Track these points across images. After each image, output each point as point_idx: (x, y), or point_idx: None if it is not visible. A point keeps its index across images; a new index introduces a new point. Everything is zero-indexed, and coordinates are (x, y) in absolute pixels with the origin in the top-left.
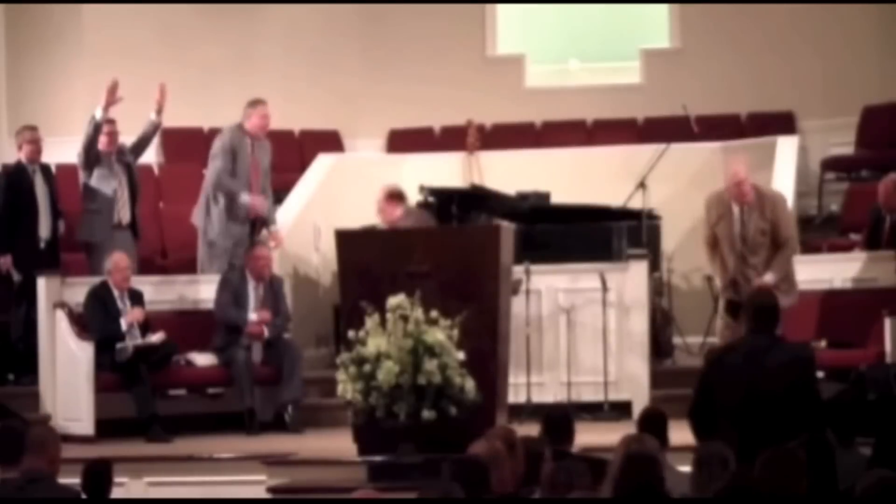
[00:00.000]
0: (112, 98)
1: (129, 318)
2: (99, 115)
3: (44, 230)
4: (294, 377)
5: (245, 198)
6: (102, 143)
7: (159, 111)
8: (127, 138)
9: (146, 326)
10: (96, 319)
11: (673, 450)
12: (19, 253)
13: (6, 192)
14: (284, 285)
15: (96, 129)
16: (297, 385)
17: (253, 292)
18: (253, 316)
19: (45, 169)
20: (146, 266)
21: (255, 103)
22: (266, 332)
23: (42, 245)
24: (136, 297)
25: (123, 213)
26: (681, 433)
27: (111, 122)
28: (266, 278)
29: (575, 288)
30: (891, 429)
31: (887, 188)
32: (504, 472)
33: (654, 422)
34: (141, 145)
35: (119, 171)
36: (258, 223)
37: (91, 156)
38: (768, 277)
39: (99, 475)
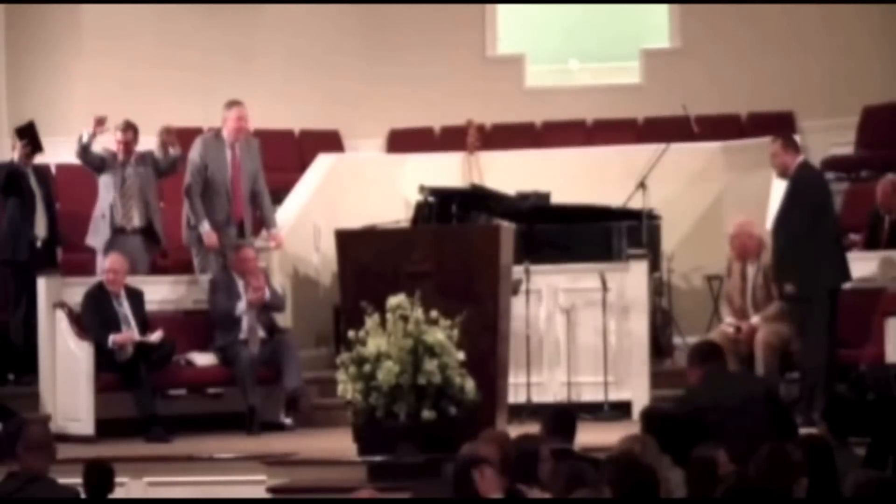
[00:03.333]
0: (99, 130)
1: (118, 338)
2: (86, 138)
3: (40, 230)
4: (293, 367)
5: (205, 228)
6: (119, 150)
7: (166, 147)
8: None
9: (146, 326)
10: (90, 322)
11: None
12: (16, 253)
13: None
14: (268, 274)
15: (84, 150)
16: (296, 375)
17: (244, 292)
18: (242, 305)
19: (40, 170)
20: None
21: (231, 105)
22: (267, 295)
23: (39, 245)
24: (136, 298)
25: (128, 218)
26: None
27: (129, 129)
28: (249, 276)
29: (575, 288)
30: (887, 429)
31: (885, 189)
32: (489, 478)
33: (659, 423)
34: (162, 173)
35: (131, 176)
36: (244, 224)
37: (90, 166)
38: (754, 320)
39: (100, 475)
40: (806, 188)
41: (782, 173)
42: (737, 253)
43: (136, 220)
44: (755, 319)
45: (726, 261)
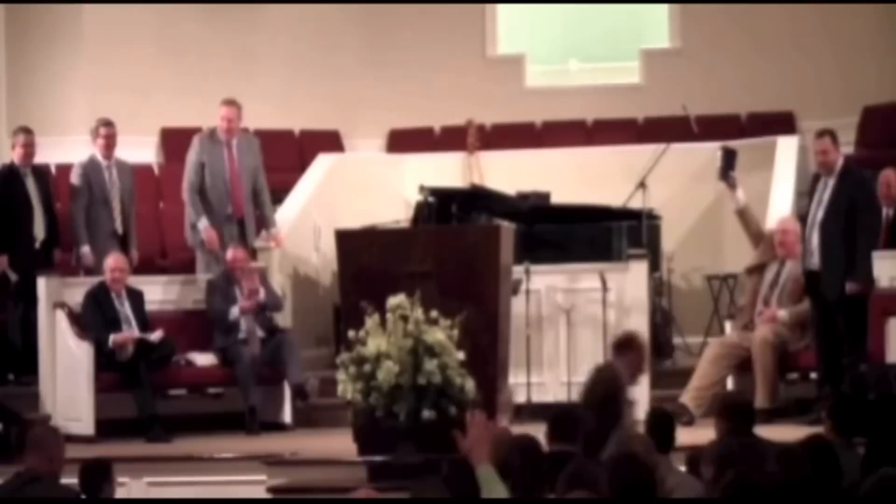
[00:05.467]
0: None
1: (118, 338)
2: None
3: (38, 230)
4: (295, 363)
5: (203, 224)
6: (99, 146)
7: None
8: (123, 138)
9: (146, 326)
10: (91, 321)
11: (675, 450)
12: (15, 253)
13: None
14: (266, 274)
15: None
16: (299, 369)
17: (239, 296)
18: (236, 310)
19: (38, 170)
20: (146, 266)
21: (221, 104)
22: (261, 295)
23: (37, 245)
24: (137, 298)
25: (118, 224)
26: (682, 434)
27: (108, 125)
28: (245, 274)
29: (575, 288)
30: (887, 429)
31: (888, 178)
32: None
33: (661, 423)
34: None
35: (115, 183)
36: (244, 222)
37: None
38: (781, 313)
39: (96, 474)
40: (857, 187)
41: (828, 171)
42: (785, 251)
43: (118, 226)
44: (782, 313)
45: (758, 259)
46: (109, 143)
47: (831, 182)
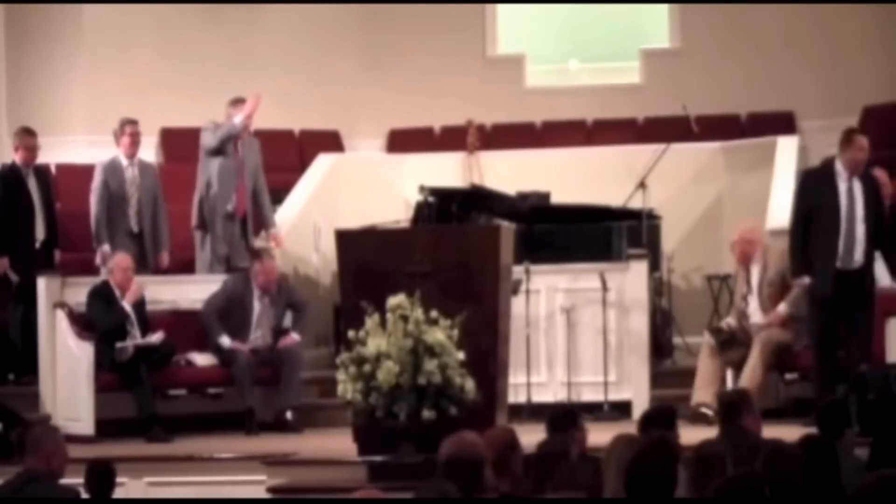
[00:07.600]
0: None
1: (129, 297)
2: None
3: (39, 231)
4: (293, 383)
5: (238, 117)
6: (124, 144)
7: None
8: None
9: (146, 326)
10: (100, 313)
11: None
12: (16, 254)
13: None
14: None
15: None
16: (295, 391)
17: (258, 302)
18: (227, 341)
19: (40, 170)
20: (146, 266)
21: (236, 102)
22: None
23: (38, 246)
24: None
25: (134, 223)
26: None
27: (133, 123)
28: (272, 291)
29: (575, 288)
30: (889, 429)
31: (883, 178)
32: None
33: (663, 420)
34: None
35: (136, 180)
36: (247, 220)
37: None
38: (781, 308)
39: (102, 475)
40: (878, 186)
41: (860, 171)
42: (737, 259)
43: (133, 225)
44: (782, 307)
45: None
46: (135, 141)
47: (858, 180)
